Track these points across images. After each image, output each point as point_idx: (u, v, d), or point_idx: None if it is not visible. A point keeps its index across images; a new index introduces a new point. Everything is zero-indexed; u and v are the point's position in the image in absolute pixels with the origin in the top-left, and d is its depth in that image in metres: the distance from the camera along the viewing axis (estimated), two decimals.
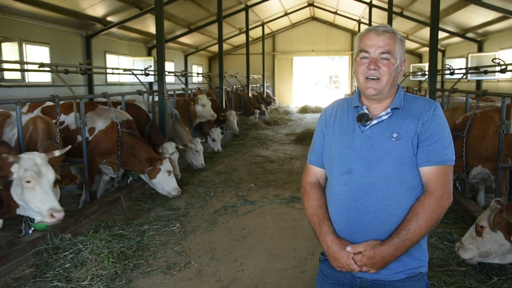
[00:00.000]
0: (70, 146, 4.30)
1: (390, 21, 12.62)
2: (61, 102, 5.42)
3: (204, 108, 9.17)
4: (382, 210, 1.62)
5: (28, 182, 3.38)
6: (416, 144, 1.62)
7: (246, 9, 16.77)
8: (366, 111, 1.70)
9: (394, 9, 13.42)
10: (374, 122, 1.67)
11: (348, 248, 1.62)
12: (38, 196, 3.39)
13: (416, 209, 1.59)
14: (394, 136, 1.63)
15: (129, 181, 6.39)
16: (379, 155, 1.63)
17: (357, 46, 1.70)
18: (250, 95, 17.37)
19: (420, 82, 12.43)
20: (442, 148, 1.61)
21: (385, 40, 1.63)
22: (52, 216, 3.40)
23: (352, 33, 23.40)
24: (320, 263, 1.86)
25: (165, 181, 5.72)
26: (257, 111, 15.48)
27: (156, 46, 8.06)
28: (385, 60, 1.63)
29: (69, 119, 5.56)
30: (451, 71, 8.71)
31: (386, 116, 1.67)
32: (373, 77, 1.63)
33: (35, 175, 3.41)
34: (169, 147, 6.39)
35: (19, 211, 3.58)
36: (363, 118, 1.68)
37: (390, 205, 1.61)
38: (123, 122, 5.68)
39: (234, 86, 15.28)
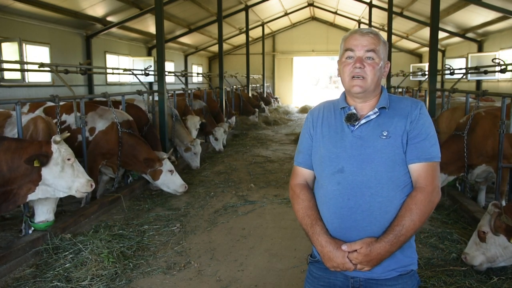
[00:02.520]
0: (68, 133, 4.48)
1: (390, 21, 12.64)
2: (62, 102, 5.43)
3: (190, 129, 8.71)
4: (376, 207, 1.64)
5: (68, 159, 3.78)
6: (406, 142, 1.66)
7: (246, 9, 16.77)
8: (354, 111, 1.73)
9: (394, 9, 13.43)
10: (363, 121, 1.70)
11: (344, 247, 1.62)
12: (76, 172, 3.82)
13: (409, 205, 1.62)
14: (384, 134, 1.66)
15: (129, 181, 6.39)
16: (371, 153, 1.65)
17: (342, 47, 1.74)
18: (250, 95, 17.39)
19: (420, 82, 12.43)
20: (430, 145, 1.66)
21: (369, 40, 1.67)
22: (91, 185, 3.88)
23: None
24: (309, 265, 1.85)
25: (169, 181, 5.73)
26: (257, 110, 15.53)
27: (156, 46, 8.06)
28: (370, 59, 1.67)
29: (71, 119, 5.55)
30: (451, 71, 8.71)
31: (374, 116, 1.70)
32: (359, 76, 1.66)
33: (72, 152, 3.84)
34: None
35: (32, 196, 3.76)
36: (352, 118, 1.71)
37: (384, 202, 1.63)
38: (123, 122, 5.67)
39: (234, 87, 15.31)
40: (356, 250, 1.61)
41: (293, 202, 1.85)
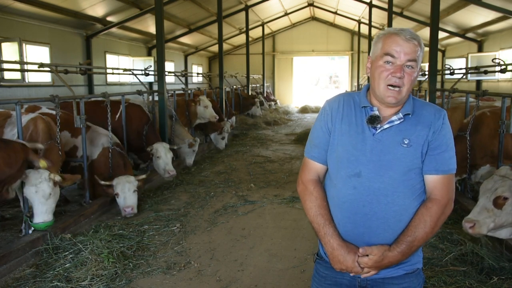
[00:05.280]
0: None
1: (390, 21, 12.63)
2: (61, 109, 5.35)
3: (206, 110, 9.14)
4: (391, 215, 1.62)
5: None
6: (425, 151, 1.62)
7: (246, 9, 16.77)
8: (377, 113, 1.65)
9: (394, 9, 13.42)
10: (386, 126, 1.63)
11: (361, 250, 1.61)
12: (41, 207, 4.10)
13: (423, 216, 1.60)
14: (406, 142, 1.61)
15: None
16: (390, 160, 1.61)
17: (380, 47, 1.62)
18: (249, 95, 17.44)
19: (420, 82, 12.42)
20: (449, 157, 1.63)
21: (412, 48, 1.58)
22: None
23: (352, 33, 23.39)
24: (316, 264, 1.84)
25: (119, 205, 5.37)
26: (257, 100, 15.98)
27: (156, 46, 8.06)
28: (410, 68, 1.59)
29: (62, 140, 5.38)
30: (451, 71, 8.70)
31: (398, 121, 1.64)
32: (396, 86, 1.59)
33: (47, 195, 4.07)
34: (160, 147, 6.37)
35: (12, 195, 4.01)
36: (376, 121, 1.63)
37: (399, 210, 1.62)
38: (114, 144, 5.56)
39: (234, 86, 15.32)
40: (367, 256, 1.60)
41: (304, 198, 1.77)
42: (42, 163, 4.02)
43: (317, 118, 1.79)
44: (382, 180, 1.61)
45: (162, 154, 6.34)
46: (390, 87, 1.60)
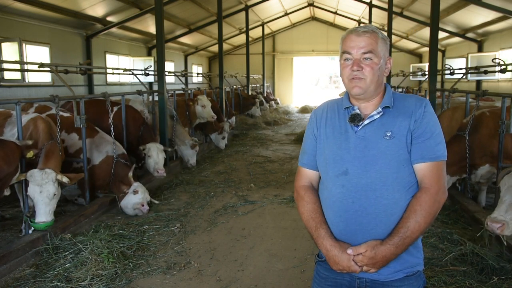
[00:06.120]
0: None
1: (390, 21, 12.64)
2: (66, 115, 5.36)
3: (204, 109, 9.19)
4: (381, 210, 1.62)
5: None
6: (410, 141, 1.63)
7: (246, 9, 16.77)
8: (358, 111, 1.70)
9: (394, 9, 13.42)
10: (367, 122, 1.67)
11: (349, 251, 1.61)
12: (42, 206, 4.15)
13: (413, 206, 1.59)
14: (388, 134, 1.63)
15: None
16: (375, 155, 1.63)
17: (340, 48, 1.72)
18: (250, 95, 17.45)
19: (420, 82, 12.43)
20: (435, 144, 1.62)
21: (366, 40, 1.63)
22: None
23: None
24: (316, 265, 1.85)
25: (128, 201, 5.34)
26: (257, 100, 16.04)
27: (156, 46, 8.07)
28: (368, 60, 1.64)
29: (70, 140, 5.37)
30: (451, 71, 8.70)
31: (378, 115, 1.67)
32: (356, 78, 1.65)
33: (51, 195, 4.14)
34: (152, 147, 6.40)
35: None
36: (356, 119, 1.68)
37: (389, 204, 1.61)
38: (119, 155, 5.51)
39: (234, 86, 15.33)
40: (361, 253, 1.60)
41: (297, 204, 1.83)
42: (30, 153, 4.08)
43: (306, 127, 1.89)
44: (369, 175, 1.62)
45: (154, 154, 6.37)
46: (353, 80, 1.66)
